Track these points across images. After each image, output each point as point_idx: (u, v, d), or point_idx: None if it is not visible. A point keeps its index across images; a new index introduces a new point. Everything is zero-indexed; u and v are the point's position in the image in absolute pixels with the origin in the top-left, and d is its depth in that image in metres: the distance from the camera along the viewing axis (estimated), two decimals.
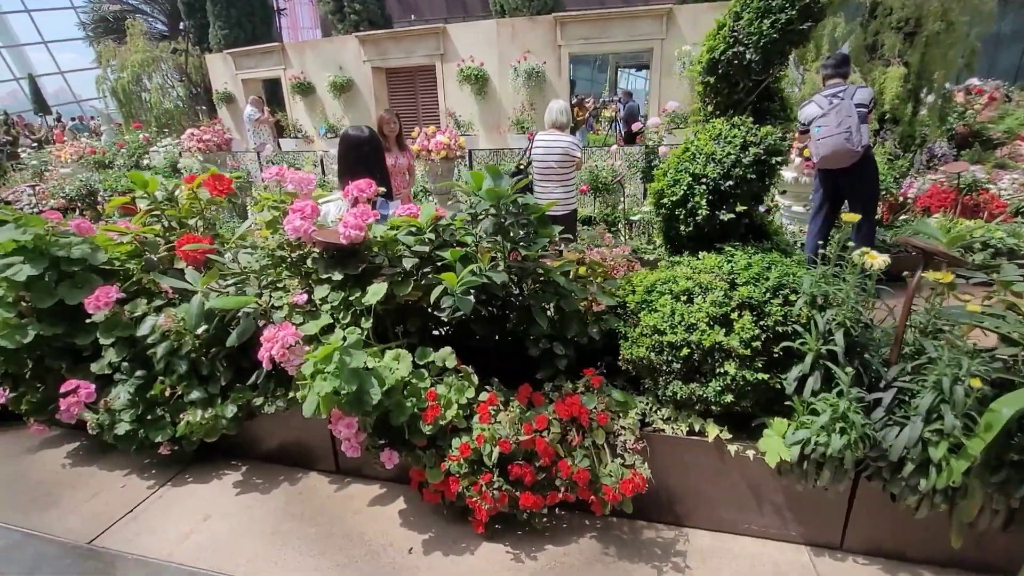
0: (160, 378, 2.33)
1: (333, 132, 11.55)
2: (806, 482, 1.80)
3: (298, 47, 12.58)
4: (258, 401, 2.28)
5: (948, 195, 6.37)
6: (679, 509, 2.07)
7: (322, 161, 8.96)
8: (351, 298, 2.05)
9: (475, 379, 2.10)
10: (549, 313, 2.12)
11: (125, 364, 2.36)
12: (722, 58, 1.81)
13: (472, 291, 1.84)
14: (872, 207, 4.33)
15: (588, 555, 1.96)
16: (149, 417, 2.34)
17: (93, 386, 2.31)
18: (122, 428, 2.30)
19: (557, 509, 2.03)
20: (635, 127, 8.35)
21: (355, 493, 2.33)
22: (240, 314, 2.09)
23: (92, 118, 19.55)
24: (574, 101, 13.11)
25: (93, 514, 2.23)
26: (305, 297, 2.05)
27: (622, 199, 6.81)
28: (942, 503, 1.65)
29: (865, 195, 4.10)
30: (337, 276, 2.06)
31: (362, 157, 2.83)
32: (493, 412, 2.00)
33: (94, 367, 2.37)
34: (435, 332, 2.41)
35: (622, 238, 5.83)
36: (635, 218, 6.04)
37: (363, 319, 2.06)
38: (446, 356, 2.07)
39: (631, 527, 2.09)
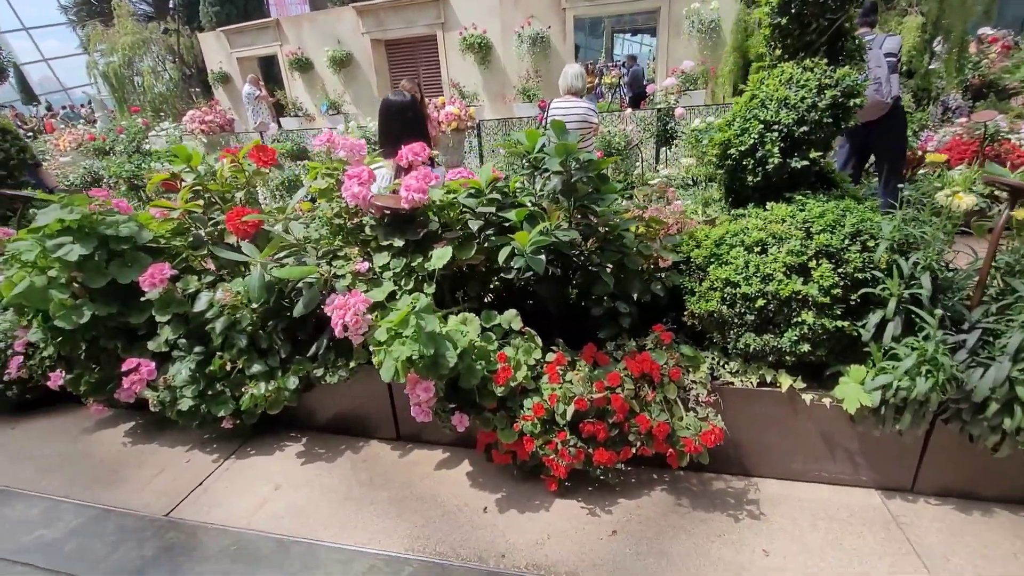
0: (219, 353, 2.33)
1: (335, 109, 11.33)
2: (883, 427, 1.81)
3: (294, 21, 12.21)
4: (319, 372, 2.28)
5: (968, 147, 6.24)
6: (747, 460, 2.09)
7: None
8: (413, 264, 2.03)
9: (539, 340, 2.09)
10: (610, 271, 2.10)
11: (182, 341, 2.35)
12: None
13: (542, 251, 1.81)
14: (901, 161, 4.26)
15: (662, 507, 1.99)
16: (210, 392, 2.35)
17: (153, 364, 2.31)
18: (185, 404, 2.30)
19: (626, 465, 2.05)
20: (649, 89, 8.18)
21: (419, 458, 2.36)
22: (301, 284, 2.07)
23: (82, 106, 19.18)
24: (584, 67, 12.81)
25: (164, 489, 2.26)
26: (367, 265, 2.03)
27: (638, 163, 6.71)
28: None
29: (894, 147, 4.03)
30: (398, 242, 2.03)
31: (407, 123, 2.76)
32: (561, 372, 2.00)
33: (151, 345, 2.37)
34: (486, 298, 2.40)
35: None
36: (654, 182, 5.96)
37: (425, 285, 2.04)
38: (511, 319, 2.06)
39: (700, 479, 2.11)
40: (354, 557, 1.86)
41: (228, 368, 2.30)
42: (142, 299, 2.33)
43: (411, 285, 2.03)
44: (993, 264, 1.67)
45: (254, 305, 2.23)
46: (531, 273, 1.87)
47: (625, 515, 1.96)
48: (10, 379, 2.66)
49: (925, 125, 7.27)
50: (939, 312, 1.59)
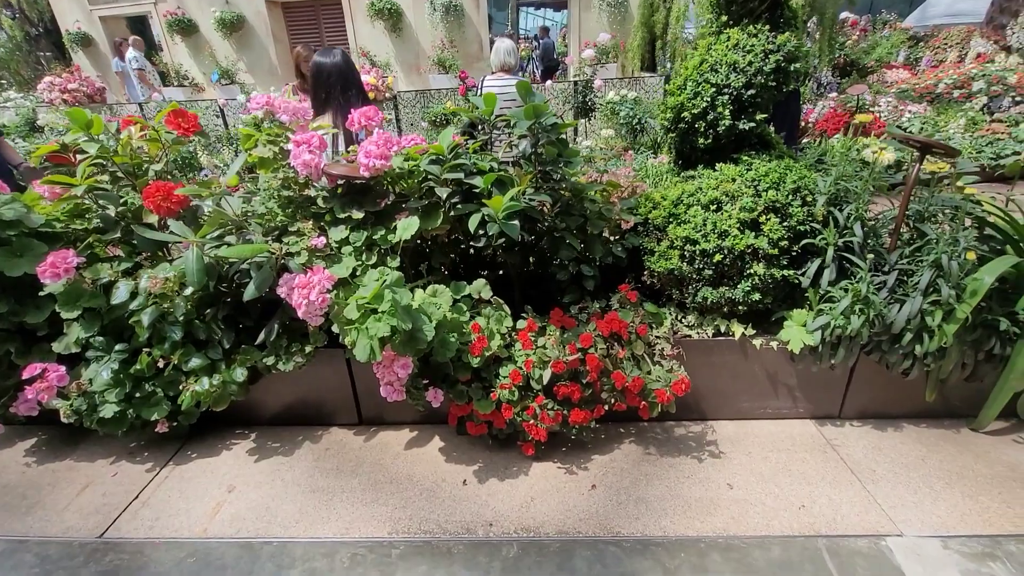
0: (145, 350, 2.06)
1: (228, 78, 10.20)
2: (821, 363, 2.04)
3: None
4: (269, 360, 2.09)
5: (841, 118, 7.02)
6: (704, 406, 2.26)
7: (222, 111, 7.97)
8: (375, 237, 1.91)
9: (507, 309, 2.08)
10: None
11: (98, 339, 2.04)
12: None
13: (515, 216, 1.78)
14: (796, 129, 4.71)
15: (633, 457, 2.10)
16: (138, 395, 2.07)
17: (63, 368, 1.99)
18: (108, 410, 2.02)
19: (596, 422, 2.13)
20: (569, 61, 8.26)
21: (387, 440, 2.27)
22: (247, 265, 1.87)
23: None
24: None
25: (91, 508, 1.98)
26: (323, 240, 1.87)
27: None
28: (931, 364, 1.95)
29: (791, 117, 4.44)
30: (357, 214, 1.89)
31: (345, 85, 2.57)
32: (533, 338, 2.01)
33: (56, 346, 2.03)
34: (445, 271, 2.34)
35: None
36: (584, 152, 6.09)
37: (388, 259, 1.93)
38: (481, 288, 2.02)
39: (663, 428, 2.25)
40: (335, 548, 1.77)
41: (160, 365, 2.04)
42: (40, 294, 1.98)
43: (373, 259, 1.91)
44: (907, 213, 1.91)
45: (187, 292, 1.99)
46: (503, 240, 1.84)
47: (601, 470, 2.05)
48: None
49: (804, 100, 8.08)
50: (871, 256, 1.81)
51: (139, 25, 11.88)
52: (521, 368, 1.94)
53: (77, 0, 11.20)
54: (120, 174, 2.18)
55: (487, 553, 1.73)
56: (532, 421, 1.93)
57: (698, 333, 2.14)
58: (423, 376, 1.98)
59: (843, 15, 11.32)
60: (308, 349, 2.09)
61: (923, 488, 1.89)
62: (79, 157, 2.17)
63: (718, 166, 2.08)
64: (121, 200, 2.13)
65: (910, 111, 7.50)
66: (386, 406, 2.32)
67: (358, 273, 1.90)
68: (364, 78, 7.08)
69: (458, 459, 2.14)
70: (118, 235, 2.10)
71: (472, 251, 2.22)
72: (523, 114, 1.79)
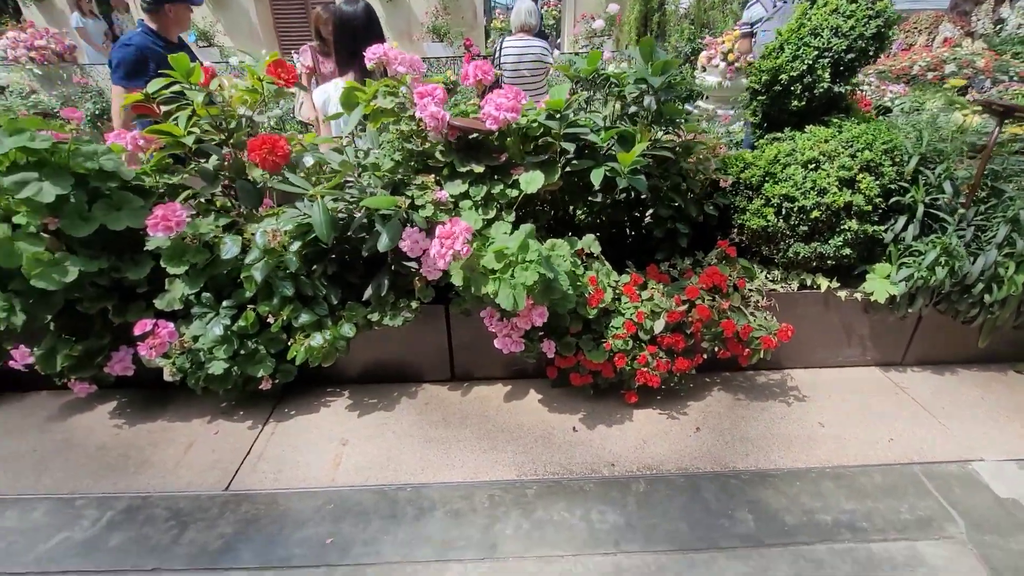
0: (251, 306, 2.03)
1: (206, 40, 9.60)
2: (897, 312, 2.21)
3: None
4: (374, 316, 2.10)
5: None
6: (781, 356, 2.42)
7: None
8: (493, 191, 1.93)
9: (608, 264, 2.16)
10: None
11: (206, 295, 2.00)
12: None
13: (640, 171, 1.84)
14: None
15: (725, 403, 2.24)
16: (242, 352, 2.05)
17: (171, 324, 1.94)
18: (217, 367, 1.99)
19: (693, 371, 2.24)
20: (576, 33, 8.22)
21: (484, 394, 2.33)
22: (363, 220, 1.86)
23: None
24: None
25: (204, 464, 1.97)
26: (446, 194, 1.88)
27: None
28: (995, 311, 2.16)
29: None
30: (478, 168, 1.91)
31: (373, 36, 2.50)
32: (638, 291, 2.10)
33: (159, 303, 1.98)
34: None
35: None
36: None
37: (504, 213, 1.96)
38: (590, 243, 2.08)
39: (745, 376, 2.40)
40: (471, 491, 1.84)
41: (269, 321, 2.02)
42: (145, 249, 1.92)
43: (491, 214, 1.94)
44: (984, 172, 2.08)
45: (294, 247, 1.96)
46: (623, 194, 1.89)
47: (699, 414, 2.18)
48: None
49: None
50: (962, 211, 1.97)
51: None
52: (633, 319, 2.03)
53: None
54: (210, 127, 2.10)
55: (619, 489, 1.84)
56: (645, 369, 2.03)
57: (782, 287, 2.28)
58: (537, 328, 2.04)
59: None
60: (414, 305, 2.11)
61: (988, 422, 2.11)
62: (164, 108, 2.08)
63: (808, 128, 2.19)
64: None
65: (891, 91, 7.87)
66: (476, 362, 2.39)
67: (497, 224, 1.91)
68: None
69: (560, 409, 2.22)
70: (218, 189, 2.04)
71: (599, 205, 2.26)
72: (652, 70, 1.83)
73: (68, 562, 1.62)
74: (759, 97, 2.27)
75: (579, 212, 2.36)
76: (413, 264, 2.06)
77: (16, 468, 1.97)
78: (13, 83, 7.65)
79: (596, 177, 1.86)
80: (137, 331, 1.88)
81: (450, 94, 7.46)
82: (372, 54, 1.88)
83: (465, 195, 1.93)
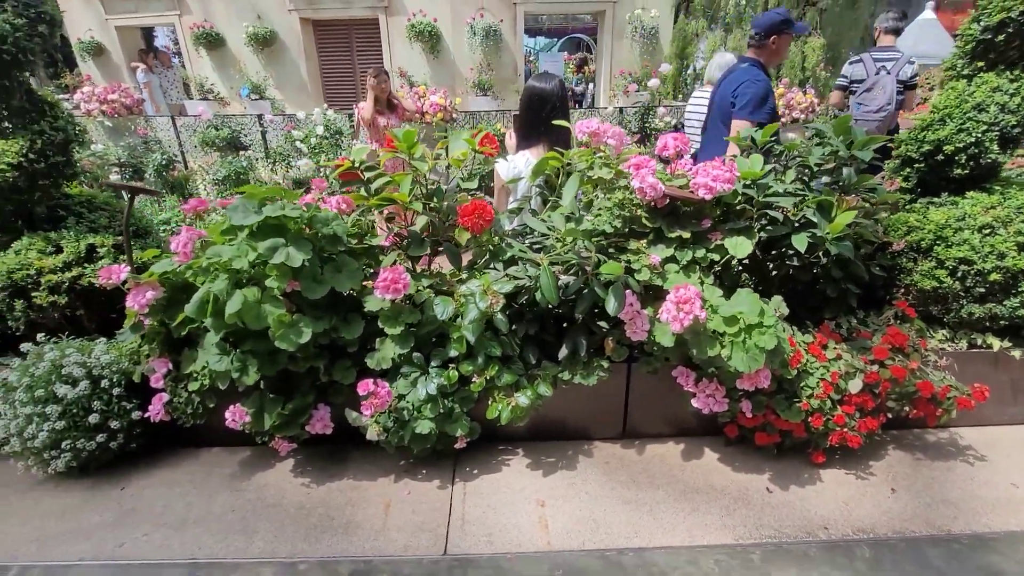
0: (451, 366, 2.08)
1: (258, 94, 10.04)
2: None
3: None
4: (565, 375, 2.15)
5: None
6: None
7: (263, 131, 7.87)
8: (697, 255, 2.02)
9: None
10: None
11: (416, 354, 2.05)
12: (1018, 18, 2.08)
13: (845, 238, 1.94)
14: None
15: (907, 462, 2.25)
16: (440, 411, 2.08)
17: (387, 385, 1.98)
18: (424, 426, 2.02)
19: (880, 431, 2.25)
20: (631, 89, 8.63)
21: (660, 452, 2.34)
22: (567, 282, 1.94)
23: None
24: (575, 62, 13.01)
25: (410, 526, 1.97)
26: (658, 258, 1.97)
27: None
28: None
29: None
30: (685, 234, 2.01)
31: (553, 112, 2.66)
32: (823, 350, 2.15)
33: (370, 362, 2.03)
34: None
35: None
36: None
37: (702, 276, 2.05)
38: (778, 304, 2.15)
39: (913, 434, 2.42)
40: (695, 555, 1.83)
41: (473, 381, 2.07)
42: (365, 310, 1.98)
43: (692, 277, 2.02)
44: None
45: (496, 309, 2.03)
46: (828, 259, 1.98)
47: (885, 474, 2.19)
48: (151, 420, 2.08)
49: None
50: None
51: (148, 35, 11.59)
52: (828, 379, 2.07)
53: (91, 7, 10.83)
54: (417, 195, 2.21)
55: (843, 553, 1.83)
56: (845, 429, 2.05)
57: (950, 346, 2.33)
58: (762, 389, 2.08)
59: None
60: (605, 364, 2.16)
61: None
62: (367, 175, 2.20)
63: (968, 194, 2.30)
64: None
65: None
66: (647, 420, 2.42)
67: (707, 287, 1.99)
68: (433, 98, 7.19)
69: (744, 468, 2.23)
70: (427, 251, 2.13)
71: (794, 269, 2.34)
72: (859, 143, 1.96)
73: None
74: (916, 164, 2.40)
75: (771, 271, 2.41)
76: (605, 324, 2.13)
77: (222, 529, 1.96)
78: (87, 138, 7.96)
79: (800, 243, 1.95)
80: (361, 391, 1.92)
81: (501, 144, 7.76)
82: (585, 128, 2.01)
83: (671, 259, 2.02)
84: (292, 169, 7.28)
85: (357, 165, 2.18)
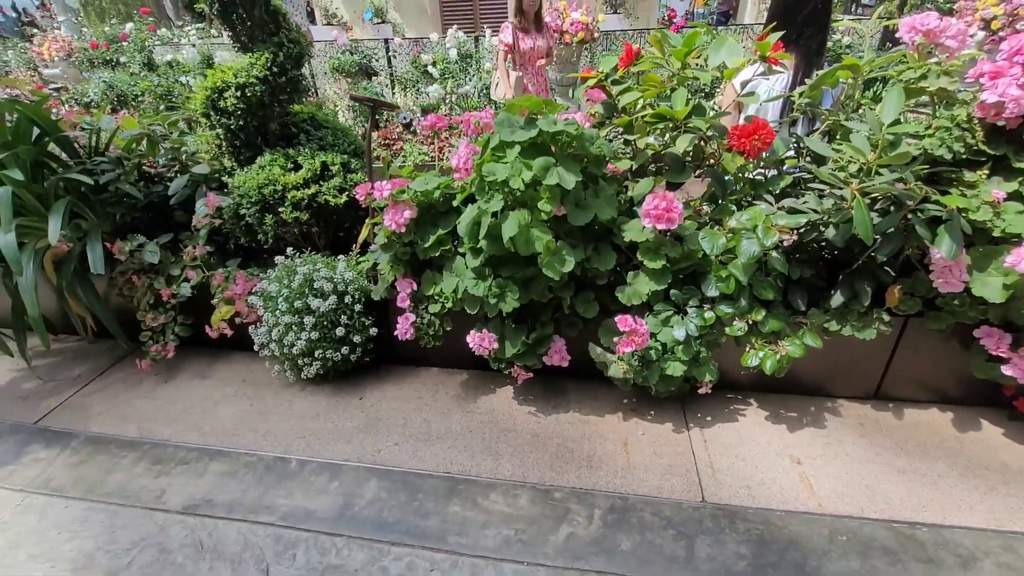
0: (707, 306, 1.89)
1: (380, 17, 9.88)
2: None
3: None
4: (833, 326, 1.88)
5: None
6: None
7: (390, 56, 7.72)
8: None
9: None
10: None
11: (674, 291, 1.88)
12: None
13: None
14: None
15: None
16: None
17: (646, 323, 1.85)
18: (676, 368, 1.88)
19: None
20: None
21: (924, 419, 2.05)
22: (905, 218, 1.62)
23: (38, 7, 16.07)
24: None
25: (657, 467, 1.89)
26: (1003, 193, 1.59)
27: None
28: None
29: None
30: None
31: (818, 15, 2.22)
32: None
33: (621, 296, 1.89)
34: None
35: None
36: None
37: None
38: None
39: None
40: (1011, 543, 1.58)
41: (732, 324, 1.87)
42: (626, 239, 1.82)
43: None
44: None
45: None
46: None
47: None
48: (399, 339, 2.11)
49: None
50: None
51: None
52: None
53: None
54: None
55: None
56: None
57: None
58: None
59: None
60: (886, 317, 1.86)
61: None
62: (615, 89, 1.96)
63: None
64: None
65: None
66: (907, 382, 2.11)
67: None
68: (574, 15, 6.62)
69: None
70: (690, 176, 1.90)
71: None
72: None
73: (593, 560, 1.59)
74: None
75: None
76: (891, 272, 1.81)
77: (467, 447, 2.01)
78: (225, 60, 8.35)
79: None
80: (621, 326, 1.80)
81: None
82: (920, 24, 1.60)
83: (1015, 195, 1.62)
84: (421, 96, 7.18)
85: (605, 77, 1.94)
